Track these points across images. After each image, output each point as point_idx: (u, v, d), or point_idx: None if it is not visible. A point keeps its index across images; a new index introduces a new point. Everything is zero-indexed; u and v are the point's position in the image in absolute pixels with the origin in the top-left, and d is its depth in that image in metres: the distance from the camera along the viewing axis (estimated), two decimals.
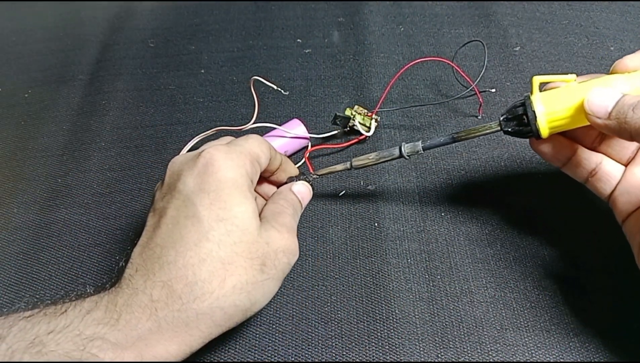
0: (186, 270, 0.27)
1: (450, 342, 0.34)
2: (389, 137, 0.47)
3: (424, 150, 0.35)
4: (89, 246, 0.41)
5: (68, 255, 0.40)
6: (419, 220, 0.41)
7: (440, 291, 0.37)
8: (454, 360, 0.34)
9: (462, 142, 0.46)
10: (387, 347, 0.34)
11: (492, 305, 0.36)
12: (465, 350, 0.34)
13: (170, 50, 0.57)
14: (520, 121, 0.33)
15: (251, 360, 0.34)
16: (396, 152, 0.36)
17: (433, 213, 0.41)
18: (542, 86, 0.34)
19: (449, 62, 0.46)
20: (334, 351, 0.34)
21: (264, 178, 0.36)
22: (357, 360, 0.34)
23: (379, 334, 0.35)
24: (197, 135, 0.46)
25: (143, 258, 0.28)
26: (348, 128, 0.45)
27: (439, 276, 0.38)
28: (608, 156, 0.34)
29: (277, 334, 0.35)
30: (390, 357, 0.34)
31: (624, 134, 0.29)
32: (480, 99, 0.47)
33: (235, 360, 0.34)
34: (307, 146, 0.46)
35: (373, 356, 0.34)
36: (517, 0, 0.60)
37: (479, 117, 0.48)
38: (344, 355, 0.34)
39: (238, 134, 0.47)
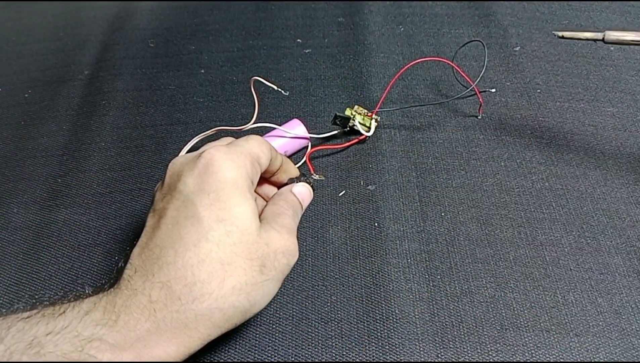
0: (185, 270, 0.27)
1: (450, 342, 0.34)
2: (389, 137, 0.47)
3: None
4: (89, 246, 0.41)
5: (68, 255, 0.40)
6: (419, 220, 0.41)
7: (440, 291, 0.37)
8: (454, 360, 0.34)
9: (461, 141, 0.46)
10: (387, 347, 0.34)
11: (492, 305, 0.36)
12: (465, 350, 0.34)
13: (170, 50, 0.57)
14: None
15: (251, 360, 0.34)
16: None
17: (433, 213, 0.41)
18: None
19: (449, 62, 0.46)
20: (334, 351, 0.34)
21: (265, 178, 0.36)
22: (357, 360, 0.34)
23: (379, 334, 0.35)
24: (197, 135, 0.46)
25: (142, 258, 0.28)
26: (348, 128, 0.45)
27: (439, 276, 0.38)
28: None
29: (277, 334, 0.35)
30: (390, 357, 0.34)
31: None
32: (481, 99, 0.47)
33: (235, 360, 0.34)
34: (308, 146, 0.46)
35: (373, 356, 0.34)
36: (517, 0, 0.60)
37: (479, 117, 0.48)
38: (344, 355, 0.34)
39: (238, 134, 0.47)
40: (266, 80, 0.44)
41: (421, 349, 0.34)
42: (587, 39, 0.34)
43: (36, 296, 0.38)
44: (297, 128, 0.45)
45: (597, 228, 0.40)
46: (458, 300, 0.36)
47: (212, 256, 0.28)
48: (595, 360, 0.33)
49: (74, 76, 0.55)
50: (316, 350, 0.34)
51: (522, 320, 0.35)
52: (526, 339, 0.34)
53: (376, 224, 0.41)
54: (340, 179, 0.44)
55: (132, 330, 0.26)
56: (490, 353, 0.34)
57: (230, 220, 0.28)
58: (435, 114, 0.49)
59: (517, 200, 0.42)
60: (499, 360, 0.34)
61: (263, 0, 0.63)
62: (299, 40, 0.57)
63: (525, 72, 0.52)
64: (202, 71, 0.55)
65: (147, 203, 0.43)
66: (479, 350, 0.34)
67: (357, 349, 0.34)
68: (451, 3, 0.60)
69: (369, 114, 0.45)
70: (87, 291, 0.28)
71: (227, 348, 0.34)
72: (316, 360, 0.34)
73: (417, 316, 0.36)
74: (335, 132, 0.46)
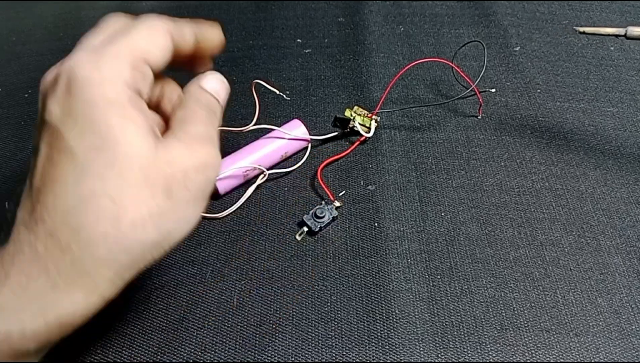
0: (69, 215, 0.23)
1: (450, 342, 0.34)
2: (389, 137, 0.47)
3: None
4: None
5: None
6: (419, 220, 0.41)
7: (440, 291, 0.37)
8: (454, 360, 0.34)
9: (461, 141, 0.46)
10: (387, 347, 0.34)
11: (492, 305, 0.36)
12: (465, 350, 0.34)
13: None
14: None
15: (251, 360, 0.34)
16: None
17: (433, 213, 0.41)
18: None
19: (449, 62, 0.46)
20: (334, 351, 0.34)
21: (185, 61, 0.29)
22: (357, 360, 0.34)
23: (379, 334, 0.35)
24: None
25: (25, 208, 0.25)
26: (348, 129, 0.45)
27: (439, 276, 0.38)
28: None
29: (277, 334, 0.35)
30: (390, 357, 0.34)
31: None
32: (480, 100, 0.47)
33: (235, 360, 0.34)
34: (308, 147, 0.46)
35: (373, 356, 0.34)
36: (517, 0, 0.60)
37: (479, 118, 0.48)
38: (344, 355, 0.34)
39: (239, 135, 0.47)
40: (268, 83, 0.44)
41: (421, 349, 0.34)
42: (609, 35, 0.33)
43: None
44: (297, 129, 0.45)
45: (597, 228, 0.40)
46: (458, 300, 0.36)
47: (96, 193, 0.23)
48: (595, 360, 0.33)
49: None
50: (316, 350, 0.34)
51: (522, 320, 0.35)
52: (526, 339, 0.34)
53: (376, 224, 0.41)
54: (340, 179, 0.44)
55: (26, 287, 0.23)
56: (490, 353, 0.34)
57: (109, 146, 0.23)
58: (435, 114, 0.49)
59: (517, 200, 0.42)
60: (499, 360, 0.34)
61: (263, 0, 0.63)
62: (299, 40, 0.57)
63: (525, 72, 0.52)
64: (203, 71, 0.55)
65: None
66: (479, 350, 0.34)
67: (357, 349, 0.34)
68: (451, 3, 0.60)
69: (369, 115, 0.45)
70: None
71: (227, 348, 0.34)
72: (316, 360, 0.34)
73: (417, 316, 0.36)
74: (336, 133, 0.45)
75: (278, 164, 0.45)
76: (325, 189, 0.41)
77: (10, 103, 0.53)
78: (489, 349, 0.34)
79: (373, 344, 0.34)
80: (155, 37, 0.26)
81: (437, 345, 0.34)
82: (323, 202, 0.41)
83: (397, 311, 0.36)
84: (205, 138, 0.27)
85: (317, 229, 0.39)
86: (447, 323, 0.35)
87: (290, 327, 0.35)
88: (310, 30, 0.58)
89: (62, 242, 0.23)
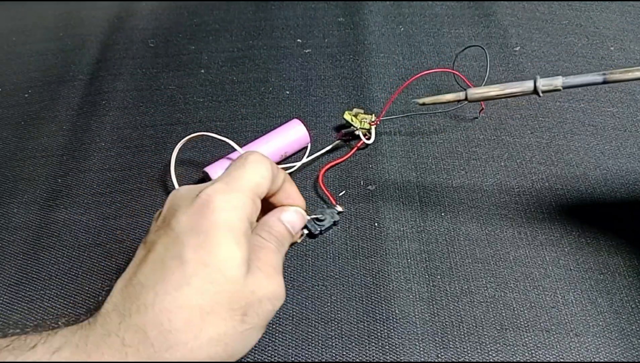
0: (162, 315, 0.26)
1: (450, 342, 0.34)
2: (389, 137, 0.47)
3: (563, 88, 0.28)
4: (89, 246, 0.41)
5: (68, 255, 0.40)
6: (419, 220, 0.41)
7: (440, 291, 0.37)
8: (454, 360, 0.34)
9: (461, 141, 0.46)
10: (387, 347, 0.34)
11: (492, 305, 0.36)
12: (465, 350, 0.34)
13: (170, 50, 0.57)
14: None
15: (251, 360, 0.34)
16: (529, 86, 0.29)
17: (433, 213, 0.41)
18: None
19: (452, 71, 0.46)
20: (334, 351, 0.34)
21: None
22: (357, 360, 0.34)
23: (379, 334, 0.35)
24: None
25: (123, 295, 0.27)
26: (350, 137, 0.45)
27: (439, 276, 0.38)
28: None
29: (277, 334, 0.35)
30: (390, 357, 0.34)
31: None
32: (483, 104, 0.47)
33: (235, 360, 0.34)
34: (307, 147, 0.45)
35: (373, 356, 0.34)
36: (517, 0, 0.60)
37: (478, 118, 0.48)
38: (344, 355, 0.34)
39: (239, 136, 0.47)
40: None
41: (421, 349, 0.34)
42: (450, 101, 0.33)
43: (36, 296, 0.38)
44: (296, 128, 0.45)
45: (597, 228, 0.40)
46: (458, 300, 0.36)
47: (191, 303, 0.26)
48: (595, 360, 0.33)
49: (74, 76, 0.55)
50: (316, 350, 0.34)
51: (522, 320, 0.35)
52: (526, 339, 0.34)
53: (376, 224, 0.41)
54: (340, 179, 0.44)
55: None
56: (490, 353, 0.34)
57: (216, 265, 0.26)
58: (435, 114, 0.49)
59: (517, 200, 0.42)
60: (499, 360, 0.34)
61: (263, 0, 0.63)
62: (299, 40, 0.57)
63: (525, 72, 0.52)
64: (202, 71, 0.55)
65: (147, 203, 0.43)
66: (479, 350, 0.34)
67: (357, 349, 0.34)
68: (451, 3, 0.60)
69: (372, 123, 0.45)
70: (60, 324, 0.28)
71: None
72: (316, 360, 0.34)
73: (417, 316, 0.36)
74: (337, 142, 0.45)
75: (278, 164, 0.45)
76: (328, 195, 0.42)
77: (10, 103, 0.53)
78: (489, 349, 0.34)
79: (373, 344, 0.34)
80: (262, 171, 0.30)
81: (437, 345, 0.34)
82: (325, 206, 0.41)
83: (397, 311, 0.36)
84: (277, 267, 0.30)
85: (317, 232, 0.39)
86: (447, 323, 0.35)
87: (290, 327, 0.35)
88: (310, 30, 0.58)
89: (149, 338, 0.25)
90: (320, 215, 0.39)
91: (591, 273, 0.37)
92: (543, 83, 0.29)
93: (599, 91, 0.50)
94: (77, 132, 0.50)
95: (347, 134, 0.45)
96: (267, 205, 0.33)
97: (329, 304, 0.37)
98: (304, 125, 0.45)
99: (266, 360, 0.34)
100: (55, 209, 0.43)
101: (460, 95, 0.31)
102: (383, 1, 0.61)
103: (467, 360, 0.34)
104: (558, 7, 0.59)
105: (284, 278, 0.32)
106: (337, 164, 0.44)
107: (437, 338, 0.35)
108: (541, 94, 0.29)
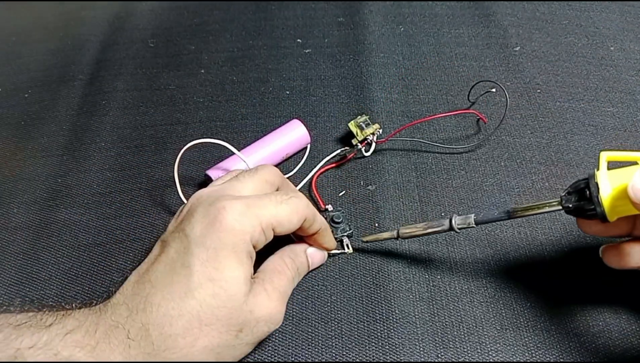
0: (164, 319, 0.28)
1: (450, 342, 0.34)
2: (390, 140, 0.47)
3: (476, 225, 0.33)
4: (89, 246, 0.41)
5: (68, 255, 0.40)
6: (419, 220, 0.41)
7: (440, 291, 0.37)
8: (454, 360, 0.34)
9: (461, 142, 0.46)
10: (387, 347, 0.34)
11: (492, 305, 0.36)
12: (465, 350, 0.34)
13: (170, 50, 0.57)
14: (584, 199, 0.29)
15: (251, 360, 0.34)
16: (446, 224, 0.34)
17: (433, 213, 0.41)
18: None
19: (472, 111, 0.47)
20: (334, 351, 0.34)
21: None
22: (357, 360, 0.34)
23: (379, 334, 0.35)
24: (197, 136, 0.46)
25: (134, 290, 0.29)
26: (351, 153, 0.44)
27: (439, 276, 0.38)
28: None
29: (277, 334, 0.35)
30: (390, 357, 0.34)
31: None
32: (485, 119, 0.47)
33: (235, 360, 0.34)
34: (307, 147, 0.45)
35: (373, 356, 0.34)
36: (517, 0, 0.60)
37: (478, 119, 0.48)
38: (344, 355, 0.34)
39: (239, 136, 0.47)
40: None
41: (421, 349, 0.34)
42: (386, 239, 0.37)
43: (36, 296, 0.38)
44: (296, 129, 0.45)
45: None
46: (458, 300, 0.36)
47: (192, 313, 0.28)
48: (596, 360, 0.33)
49: (74, 76, 0.55)
50: (316, 350, 0.34)
51: (522, 320, 0.35)
52: (526, 339, 0.34)
53: (376, 224, 0.41)
54: (340, 179, 0.44)
55: (106, 359, 0.27)
56: (490, 353, 0.34)
57: (220, 282, 0.29)
58: (435, 114, 0.49)
59: (517, 200, 0.42)
60: (499, 360, 0.34)
61: (263, 0, 0.63)
62: (299, 40, 0.57)
63: (525, 72, 0.52)
64: (202, 71, 0.55)
65: (147, 203, 0.43)
66: (479, 350, 0.34)
67: (357, 349, 0.34)
68: (451, 3, 0.60)
69: (379, 141, 0.44)
70: (74, 306, 0.29)
71: None
72: (316, 360, 0.34)
73: (417, 316, 0.36)
74: (340, 150, 0.45)
75: (279, 165, 0.45)
76: (318, 198, 0.42)
77: (10, 103, 0.53)
78: (489, 349, 0.34)
79: (373, 344, 0.34)
80: (292, 217, 0.31)
81: (437, 345, 0.34)
82: (328, 207, 0.41)
83: (397, 311, 0.36)
84: (283, 294, 0.32)
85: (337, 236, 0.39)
86: (447, 323, 0.35)
87: (290, 327, 0.35)
88: (310, 30, 0.58)
89: (150, 337, 0.28)
90: (336, 217, 0.39)
91: (591, 273, 0.37)
92: (458, 221, 0.34)
93: (599, 91, 0.50)
94: (77, 132, 0.50)
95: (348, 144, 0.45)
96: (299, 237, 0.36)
97: (329, 304, 0.37)
98: (304, 125, 0.45)
99: (266, 360, 0.34)
100: (55, 209, 0.43)
101: (394, 233, 0.36)
102: (383, 1, 0.61)
103: (467, 360, 0.34)
104: (558, 7, 0.59)
105: None
106: (330, 169, 0.45)
107: (437, 338, 0.35)
108: (457, 231, 0.34)
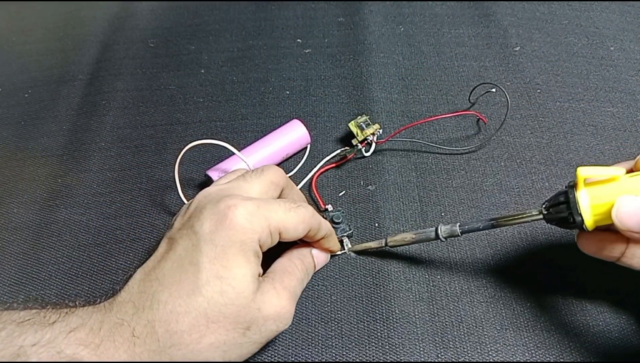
0: (171, 316, 0.28)
1: (450, 342, 0.34)
2: (390, 140, 0.47)
3: (461, 234, 0.34)
4: (89, 246, 0.41)
5: (68, 255, 0.40)
6: (419, 220, 0.41)
7: (440, 291, 0.37)
8: (454, 360, 0.34)
9: (461, 142, 0.46)
10: (387, 347, 0.34)
11: (492, 305, 0.36)
12: (465, 350, 0.34)
13: (170, 50, 0.57)
14: (564, 210, 0.30)
15: (251, 360, 0.34)
16: (432, 234, 0.35)
17: (433, 213, 0.41)
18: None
19: (472, 112, 0.47)
20: (334, 351, 0.34)
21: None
22: (357, 360, 0.34)
23: (379, 334, 0.35)
24: (197, 136, 0.46)
25: (140, 288, 0.29)
26: (350, 154, 0.44)
27: (439, 276, 0.38)
28: None
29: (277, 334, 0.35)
30: (390, 357, 0.34)
31: None
32: (485, 119, 0.47)
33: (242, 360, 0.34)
34: (307, 147, 0.45)
35: (373, 356, 0.34)
36: (517, 0, 0.60)
37: (478, 119, 0.48)
38: (344, 355, 0.34)
39: (239, 136, 0.47)
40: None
41: (421, 349, 0.34)
42: (374, 248, 0.38)
43: (37, 297, 0.38)
44: (296, 129, 0.45)
45: None
46: (458, 300, 0.36)
47: (200, 310, 0.28)
48: (596, 360, 0.33)
49: (74, 76, 0.55)
50: (316, 350, 0.34)
51: (522, 320, 0.35)
52: (526, 339, 0.34)
53: (376, 224, 0.41)
54: (340, 179, 0.44)
55: (111, 357, 0.27)
56: (490, 353, 0.34)
57: (227, 280, 0.29)
58: (435, 114, 0.49)
59: (517, 200, 0.42)
60: (499, 360, 0.34)
61: (263, 0, 0.63)
62: (299, 40, 0.57)
63: (525, 72, 0.52)
64: (202, 71, 0.55)
65: (147, 203, 0.43)
66: (479, 350, 0.34)
67: (357, 349, 0.34)
68: (451, 3, 0.60)
69: (379, 141, 0.44)
70: (77, 304, 0.29)
71: None
72: (316, 360, 0.34)
73: (417, 316, 0.36)
74: (340, 150, 0.45)
75: (279, 165, 0.45)
76: (318, 198, 0.42)
77: (10, 103, 0.53)
78: (489, 349, 0.34)
79: (373, 344, 0.34)
80: (298, 226, 0.32)
81: (437, 345, 0.34)
82: (319, 209, 0.41)
83: (397, 311, 0.36)
84: (293, 294, 0.32)
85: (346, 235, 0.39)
86: (447, 323, 0.35)
87: (290, 327, 0.35)
88: (310, 30, 0.58)
89: (156, 333, 0.28)
90: (336, 217, 0.39)
91: (591, 273, 0.37)
92: (444, 230, 0.34)
93: (599, 91, 0.50)
94: (77, 132, 0.50)
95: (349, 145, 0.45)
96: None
97: (329, 304, 0.37)
98: (304, 125, 0.45)
99: (266, 360, 0.34)
100: (55, 209, 0.43)
101: (382, 242, 0.37)
102: (383, 1, 0.61)
103: (467, 360, 0.34)
104: (558, 7, 0.59)
105: None
106: (330, 169, 0.45)
107: (437, 338, 0.35)
108: (443, 239, 0.34)
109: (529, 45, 0.55)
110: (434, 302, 0.36)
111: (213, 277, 0.28)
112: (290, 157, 0.46)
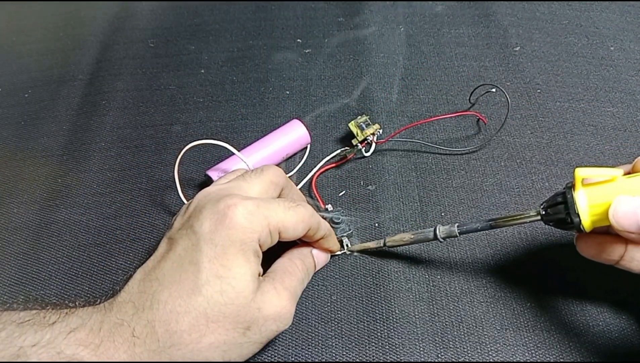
0: (171, 315, 0.28)
1: (450, 342, 0.34)
2: (390, 140, 0.47)
3: (459, 234, 0.34)
4: (89, 246, 0.41)
5: (68, 255, 0.40)
6: (419, 220, 0.41)
7: (440, 291, 0.37)
8: (454, 360, 0.34)
9: (461, 142, 0.46)
10: (387, 347, 0.34)
11: (492, 305, 0.36)
12: (465, 350, 0.34)
13: (170, 50, 0.57)
14: (561, 211, 0.30)
15: (251, 361, 0.34)
16: (431, 235, 0.35)
17: (433, 213, 0.41)
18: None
19: (472, 112, 0.47)
20: (334, 351, 0.34)
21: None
22: (357, 360, 0.34)
23: (379, 334, 0.35)
24: (197, 136, 0.46)
25: (140, 288, 0.29)
26: (350, 154, 0.44)
27: (439, 276, 0.38)
28: None
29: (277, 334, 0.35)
30: (390, 357, 0.34)
31: None
32: (485, 120, 0.47)
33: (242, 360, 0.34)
34: (307, 147, 0.45)
35: (373, 356, 0.34)
36: (517, 0, 0.60)
37: (478, 119, 0.48)
38: (344, 355, 0.34)
39: (239, 136, 0.47)
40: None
41: (421, 349, 0.34)
42: (373, 248, 0.38)
43: (37, 297, 0.38)
44: (296, 129, 0.45)
45: None
46: (458, 300, 0.36)
47: (199, 310, 0.28)
48: (596, 360, 0.33)
49: (74, 76, 0.55)
50: (316, 350, 0.34)
51: (522, 320, 0.35)
52: (526, 339, 0.34)
53: (376, 224, 0.41)
54: (340, 179, 0.44)
55: (111, 358, 0.27)
56: (490, 353, 0.34)
57: (227, 279, 0.29)
58: (435, 114, 0.49)
59: (517, 200, 0.42)
60: (499, 360, 0.34)
61: (263, 0, 0.63)
62: (299, 40, 0.57)
63: (525, 72, 0.52)
64: (202, 71, 0.55)
65: (147, 203, 0.43)
66: (479, 350, 0.34)
67: (357, 349, 0.34)
68: (451, 3, 0.60)
69: (379, 141, 0.44)
70: (77, 304, 0.29)
71: None
72: (316, 360, 0.34)
73: (417, 316, 0.36)
74: (340, 150, 0.45)
75: (279, 165, 0.45)
76: (318, 198, 0.42)
77: (10, 103, 0.53)
78: (489, 349, 0.34)
79: (373, 344, 0.34)
80: (297, 225, 0.32)
81: (437, 345, 0.34)
82: (319, 209, 0.41)
83: (397, 311, 0.36)
84: (293, 294, 0.32)
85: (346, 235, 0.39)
86: (447, 323, 0.35)
87: (290, 327, 0.35)
88: (310, 30, 0.58)
89: (156, 333, 0.28)
90: (336, 217, 0.39)
91: (591, 273, 0.37)
92: (442, 231, 0.34)
93: (599, 91, 0.50)
94: (77, 132, 0.50)
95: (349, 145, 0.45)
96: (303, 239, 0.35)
97: (329, 304, 0.37)
98: (304, 125, 0.45)
99: (266, 360, 0.34)
100: (55, 209, 0.43)
101: (381, 243, 0.37)
102: (383, 1, 0.61)
103: (467, 360, 0.34)
104: (558, 7, 0.59)
105: None
106: (330, 169, 0.45)
107: (437, 338, 0.35)
108: (442, 240, 0.35)
109: (529, 45, 0.55)
110: (434, 302, 0.36)
111: (213, 277, 0.28)
112: (290, 157, 0.46)
